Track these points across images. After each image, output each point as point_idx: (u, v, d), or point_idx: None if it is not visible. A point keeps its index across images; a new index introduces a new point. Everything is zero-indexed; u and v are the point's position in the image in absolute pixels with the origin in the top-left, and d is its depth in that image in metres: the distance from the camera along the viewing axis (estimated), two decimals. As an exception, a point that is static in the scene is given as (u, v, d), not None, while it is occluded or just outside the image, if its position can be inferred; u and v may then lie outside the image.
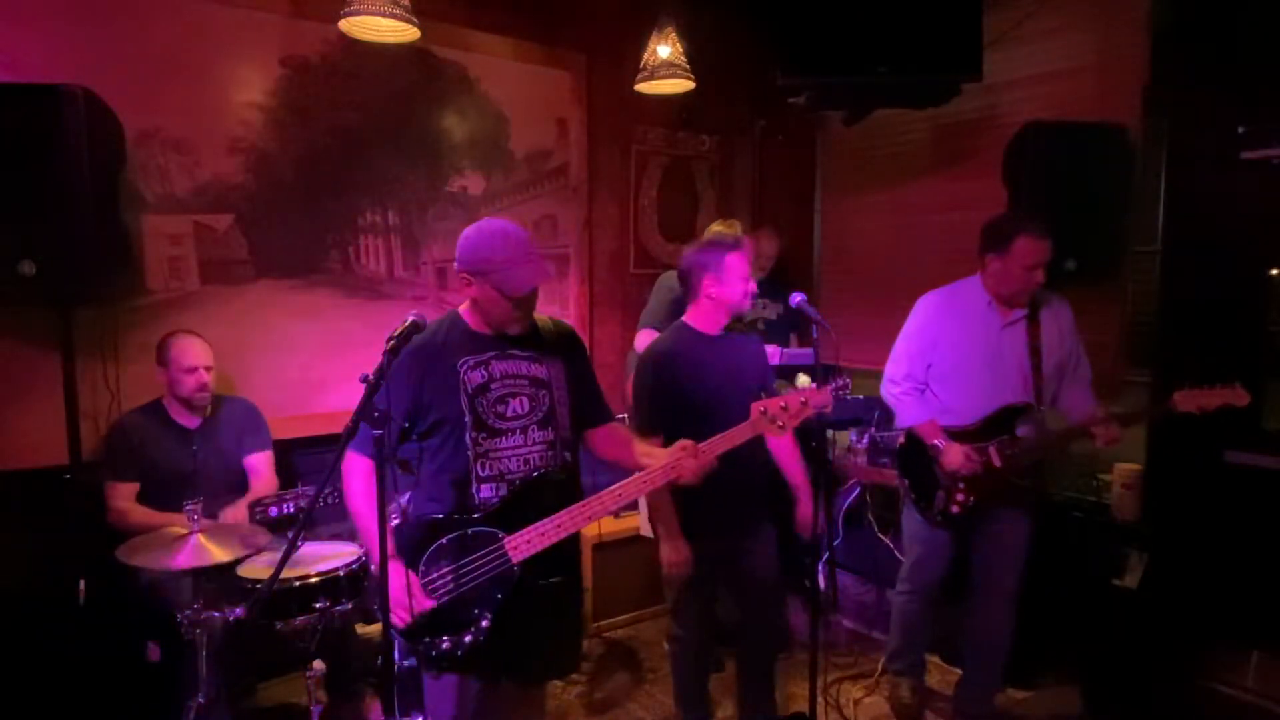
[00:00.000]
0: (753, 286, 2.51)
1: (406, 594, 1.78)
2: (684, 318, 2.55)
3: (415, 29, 2.60)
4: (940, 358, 2.71)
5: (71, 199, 2.37)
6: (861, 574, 3.77)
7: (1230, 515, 2.77)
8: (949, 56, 3.17)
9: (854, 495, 3.52)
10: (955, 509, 2.66)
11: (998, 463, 2.59)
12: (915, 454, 2.75)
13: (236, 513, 2.64)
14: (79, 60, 2.68)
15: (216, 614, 2.33)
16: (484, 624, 1.82)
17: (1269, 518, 2.69)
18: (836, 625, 3.68)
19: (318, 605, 2.41)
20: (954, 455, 2.59)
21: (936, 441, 2.63)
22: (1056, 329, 2.66)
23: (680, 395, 2.43)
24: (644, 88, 3.33)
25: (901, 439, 2.85)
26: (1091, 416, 2.59)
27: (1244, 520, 2.73)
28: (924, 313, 2.76)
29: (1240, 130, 2.72)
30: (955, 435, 2.64)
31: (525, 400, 1.94)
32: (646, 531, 3.54)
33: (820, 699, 2.41)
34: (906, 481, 2.82)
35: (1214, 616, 2.75)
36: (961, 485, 2.63)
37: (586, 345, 3.98)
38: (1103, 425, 2.54)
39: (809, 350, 3.48)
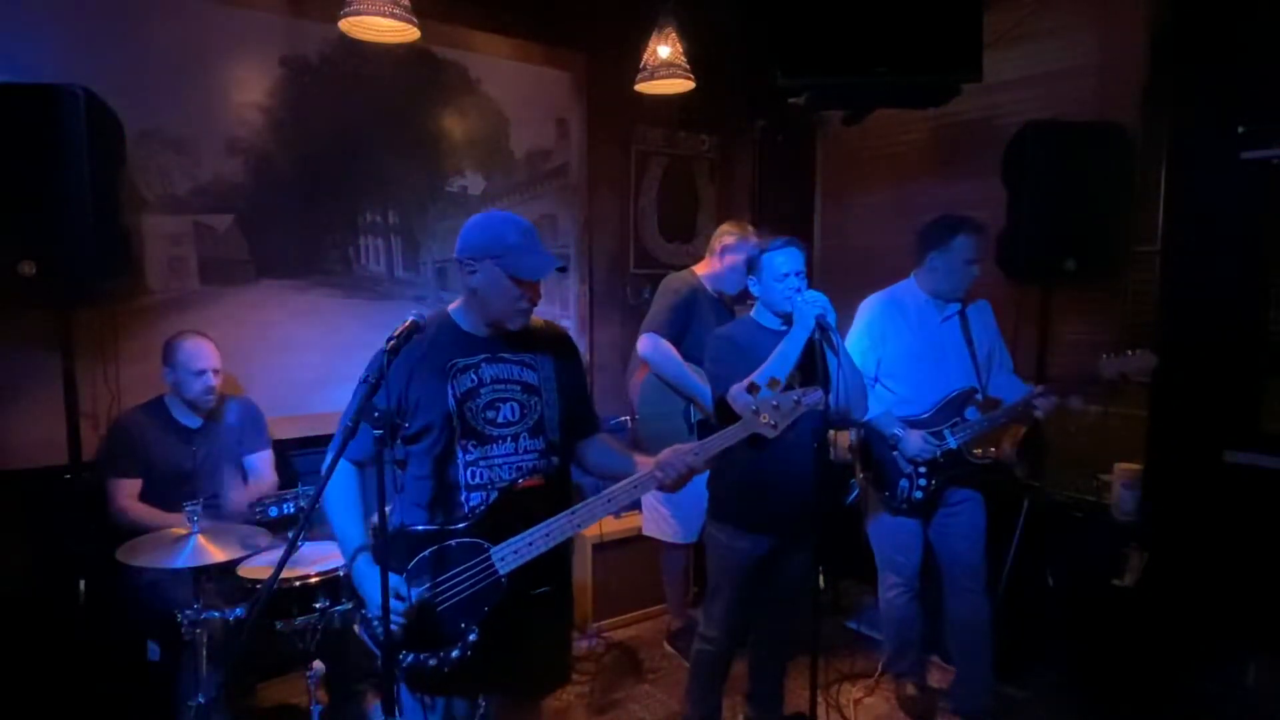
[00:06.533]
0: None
1: (395, 598, 1.68)
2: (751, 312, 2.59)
3: (415, 29, 2.59)
4: (888, 353, 2.85)
5: (71, 199, 2.37)
6: (860, 574, 3.77)
7: (1230, 515, 2.77)
8: (949, 57, 3.16)
9: (854, 495, 3.52)
10: (919, 494, 2.79)
11: (953, 444, 2.74)
12: (874, 446, 2.89)
13: (238, 497, 2.71)
14: (79, 60, 2.68)
15: (216, 614, 2.33)
16: (471, 638, 1.75)
17: (1269, 518, 2.69)
18: (836, 625, 3.68)
19: (318, 605, 2.42)
20: (913, 441, 2.73)
21: (895, 430, 2.76)
22: (982, 321, 2.89)
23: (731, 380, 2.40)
24: (644, 88, 3.32)
25: (860, 433, 2.95)
26: (1028, 393, 2.76)
27: (1244, 520, 2.73)
28: (869, 312, 2.91)
29: (1240, 130, 2.73)
30: (911, 424, 2.79)
31: (516, 406, 1.85)
32: (647, 531, 3.55)
33: (820, 699, 2.41)
34: (868, 474, 2.94)
35: (1214, 616, 2.75)
36: (923, 470, 2.77)
37: (585, 347, 4.03)
38: (1040, 397, 2.72)
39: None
